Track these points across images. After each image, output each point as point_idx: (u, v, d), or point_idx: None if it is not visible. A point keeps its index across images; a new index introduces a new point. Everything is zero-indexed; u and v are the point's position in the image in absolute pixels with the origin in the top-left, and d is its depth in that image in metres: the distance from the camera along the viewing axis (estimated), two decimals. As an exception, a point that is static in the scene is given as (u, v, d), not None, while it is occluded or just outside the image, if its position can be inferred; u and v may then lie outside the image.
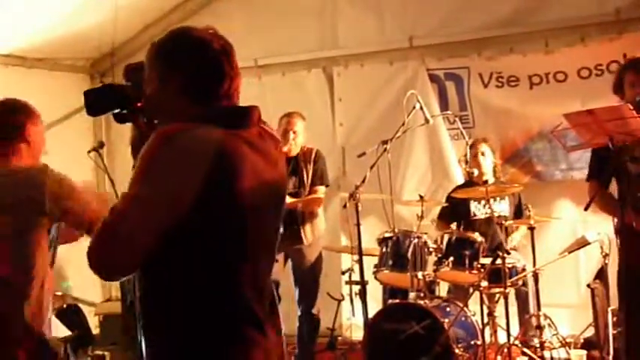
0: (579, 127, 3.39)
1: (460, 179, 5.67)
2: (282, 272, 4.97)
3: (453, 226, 4.90)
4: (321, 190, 5.01)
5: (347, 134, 6.24)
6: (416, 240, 4.56)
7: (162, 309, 1.76)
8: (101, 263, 1.70)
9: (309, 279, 4.98)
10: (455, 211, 5.26)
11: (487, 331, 4.75)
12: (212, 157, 1.69)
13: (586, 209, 3.36)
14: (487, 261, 4.56)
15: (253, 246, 1.81)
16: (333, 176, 6.25)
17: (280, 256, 4.81)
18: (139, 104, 1.88)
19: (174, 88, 1.81)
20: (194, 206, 1.67)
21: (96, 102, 1.91)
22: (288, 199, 4.73)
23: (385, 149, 4.63)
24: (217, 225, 1.73)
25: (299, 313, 4.99)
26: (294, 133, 4.97)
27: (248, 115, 1.86)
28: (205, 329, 1.73)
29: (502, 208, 5.17)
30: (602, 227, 4.92)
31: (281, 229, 1.96)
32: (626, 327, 3.59)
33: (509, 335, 4.59)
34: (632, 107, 3.36)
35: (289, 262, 5.02)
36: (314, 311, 4.97)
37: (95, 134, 6.65)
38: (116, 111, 1.92)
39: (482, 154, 5.15)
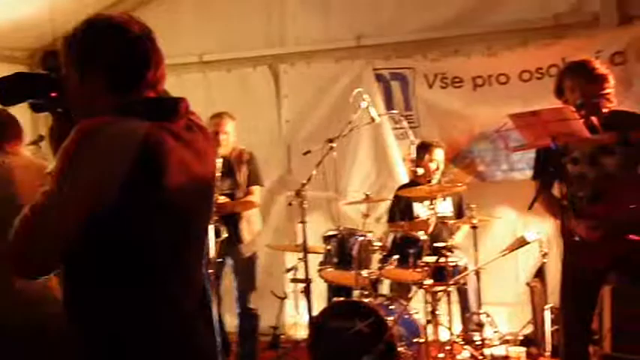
0: (523, 127, 3.45)
1: (404, 178, 5.72)
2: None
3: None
4: (256, 190, 4.99)
5: (293, 132, 6.23)
6: (361, 238, 4.58)
7: (86, 307, 1.68)
8: (19, 261, 1.62)
9: (245, 276, 4.95)
10: (400, 210, 5.31)
11: (430, 328, 4.80)
12: (136, 152, 1.60)
13: (529, 208, 3.42)
14: (431, 259, 4.60)
15: (181, 242, 1.75)
16: (279, 174, 6.25)
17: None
18: (53, 93, 1.77)
19: (93, 78, 1.71)
20: (118, 203, 1.59)
21: (8, 91, 1.78)
22: (224, 200, 4.70)
23: (331, 147, 4.63)
24: (142, 222, 1.65)
25: (238, 310, 4.95)
26: (225, 133, 4.93)
27: (175, 106, 1.77)
28: (129, 327, 1.66)
29: (445, 208, 5.24)
30: (541, 227, 5.06)
31: (212, 227, 1.94)
32: (563, 325, 3.67)
33: (451, 333, 4.65)
34: (573, 110, 3.45)
35: (228, 261, 4.97)
36: (251, 306, 4.94)
37: (36, 127, 6.46)
38: (31, 100, 1.81)
39: (438, 162, 5.23)
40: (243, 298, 4.94)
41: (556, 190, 3.74)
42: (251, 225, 4.96)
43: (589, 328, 3.72)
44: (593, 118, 3.33)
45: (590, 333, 3.76)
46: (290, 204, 4.59)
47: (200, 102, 5.23)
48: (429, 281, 4.51)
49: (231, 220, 4.80)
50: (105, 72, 1.71)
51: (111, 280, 1.66)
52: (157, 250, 1.69)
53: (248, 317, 4.94)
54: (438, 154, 5.26)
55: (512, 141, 3.97)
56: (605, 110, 3.65)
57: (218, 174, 4.12)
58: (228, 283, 5.01)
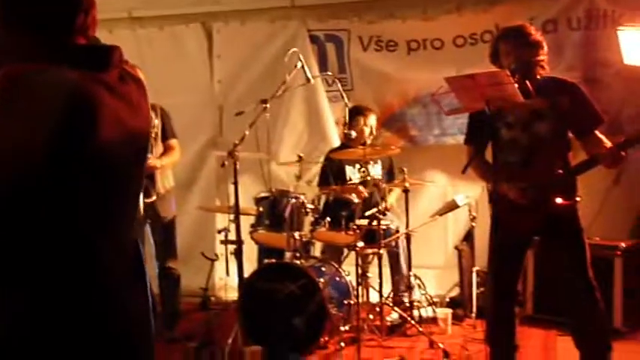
0: (459, 91, 3.45)
1: (336, 141, 5.71)
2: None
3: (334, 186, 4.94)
4: (175, 143, 4.88)
5: (225, 92, 6.11)
6: (293, 200, 4.55)
7: (9, 272, 1.54)
8: None
9: (163, 233, 4.85)
10: (332, 173, 5.30)
11: (361, 291, 4.84)
12: (64, 104, 1.48)
13: (463, 172, 3.44)
14: (363, 222, 4.62)
15: (113, 202, 1.64)
16: (210, 135, 6.15)
17: None
18: None
19: (17, 20, 1.57)
20: (44, 160, 1.46)
21: None
22: (150, 160, 4.57)
23: (264, 108, 4.55)
24: (71, 180, 1.53)
25: (156, 270, 4.87)
26: None
27: (107, 54, 1.63)
28: (55, 299, 1.54)
29: (376, 171, 5.26)
30: (470, 191, 5.14)
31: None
32: (491, 287, 3.73)
33: (381, 295, 4.70)
34: (509, 74, 3.47)
35: (147, 225, 4.85)
36: (171, 265, 4.86)
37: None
38: None
39: (371, 127, 5.22)
40: (163, 258, 4.85)
41: (488, 155, 3.79)
42: (165, 178, 4.84)
43: (515, 289, 3.80)
44: (528, 83, 3.35)
45: (516, 294, 3.85)
46: (223, 164, 4.48)
47: (131, 59, 5.09)
48: (361, 244, 4.52)
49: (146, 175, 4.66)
50: (30, 13, 1.57)
51: (35, 245, 1.53)
52: (86, 212, 1.58)
53: (169, 276, 4.87)
54: (372, 120, 5.26)
55: (447, 105, 3.99)
56: (538, 76, 3.70)
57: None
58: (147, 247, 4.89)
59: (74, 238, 1.57)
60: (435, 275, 5.65)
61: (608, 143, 3.56)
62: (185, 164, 5.87)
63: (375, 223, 4.52)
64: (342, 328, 4.44)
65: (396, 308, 4.82)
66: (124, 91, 1.65)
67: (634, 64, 4.71)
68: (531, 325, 4.91)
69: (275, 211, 4.60)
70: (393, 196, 5.31)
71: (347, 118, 4.94)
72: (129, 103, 1.66)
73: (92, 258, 1.59)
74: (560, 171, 3.61)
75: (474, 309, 4.94)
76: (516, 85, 3.35)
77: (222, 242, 5.01)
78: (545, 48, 3.74)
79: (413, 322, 4.71)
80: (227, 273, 5.18)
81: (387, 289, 5.07)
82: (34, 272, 1.54)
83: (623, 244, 4.76)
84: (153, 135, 4.70)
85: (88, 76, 1.55)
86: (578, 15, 5.19)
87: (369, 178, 4.92)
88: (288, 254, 4.61)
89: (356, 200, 4.60)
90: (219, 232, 5.01)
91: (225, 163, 4.43)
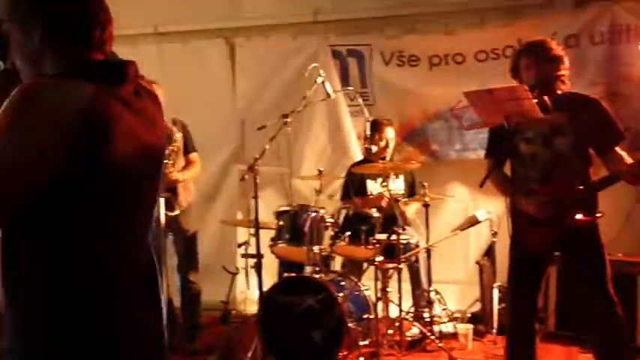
0: (478, 105, 3.45)
1: (358, 155, 5.72)
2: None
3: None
4: (196, 157, 4.94)
5: (247, 107, 6.16)
6: (313, 214, 4.55)
7: (23, 279, 1.57)
8: None
9: (185, 246, 4.90)
10: (354, 187, 5.31)
11: (380, 305, 4.83)
12: (78, 117, 1.50)
13: (481, 186, 3.44)
14: (383, 237, 4.61)
15: (125, 214, 1.67)
16: (232, 148, 6.19)
17: None
18: None
19: (36, 36, 1.61)
20: (59, 172, 1.50)
21: None
22: (172, 173, 4.63)
23: (285, 122, 4.58)
24: (84, 194, 1.55)
25: (178, 283, 4.91)
26: None
27: (123, 69, 1.67)
28: (68, 304, 1.57)
29: (397, 185, 5.25)
30: (492, 206, 5.11)
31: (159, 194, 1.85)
32: (510, 302, 3.71)
33: (400, 310, 4.68)
34: (527, 89, 3.46)
35: (169, 237, 4.91)
36: (192, 279, 4.90)
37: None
38: None
39: (388, 140, 5.21)
40: (185, 272, 4.90)
41: (508, 169, 3.78)
42: (187, 192, 4.90)
43: (535, 305, 3.77)
44: (546, 98, 3.34)
45: (536, 310, 3.81)
46: (243, 178, 4.52)
47: (155, 74, 5.17)
48: (380, 258, 4.51)
49: (168, 188, 4.73)
50: (48, 29, 1.61)
51: (48, 255, 1.56)
52: (99, 223, 1.60)
53: (189, 291, 4.91)
54: (388, 133, 5.24)
55: (467, 120, 3.99)
56: (558, 92, 3.69)
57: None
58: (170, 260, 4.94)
59: (83, 247, 1.59)
60: (456, 290, 5.62)
61: (629, 160, 3.53)
62: (208, 178, 5.93)
63: (394, 237, 4.51)
64: (361, 343, 4.43)
65: (415, 323, 4.79)
66: (140, 106, 1.68)
67: (657, 78, 4.68)
68: (553, 341, 4.84)
69: (295, 225, 4.61)
70: (412, 209, 5.29)
71: (367, 132, 4.95)
72: (144, 118, 1.69)
73: (101, 268, 1.61)
74: (581, 187, 3.59)
75: (495, 325, 4.89)
76: (535, 101, 3.34)
77: (242, 256, 5.03)
78: (567, 63, 3.72)
79: (432, 337, 4.68)
80: (247, 286, 5.20)
81: (408, 303, 5.05)
82: (43, 277, 1.56)
83: (646, 261, 4.70)
84: (175, 149, 4.75)
85: (104, 90, 1.58)
86: (601, 29, 5.16)
87: (389, 192, 4.89)
88: (307, 268, 4.62)
89: (376, 215, 4.60)
90: (240, 245, 5.04)
91: (246, 177, 4.46)
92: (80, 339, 1.58)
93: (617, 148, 3.63)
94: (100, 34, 1.67)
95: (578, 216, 3.54)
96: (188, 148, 4.90)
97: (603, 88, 5.12)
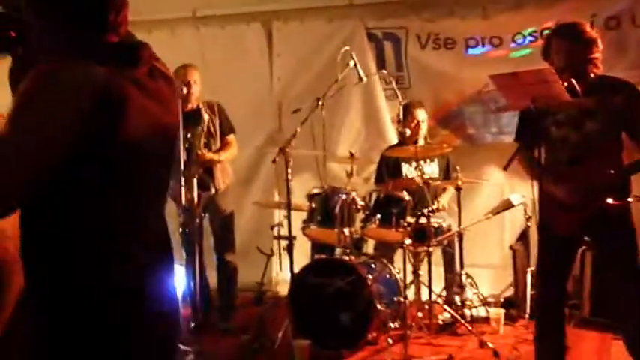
0: (504, 89, 3.44)
1: (394, 139, 5.72)
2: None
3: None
4: (233, 138, 5.00)
5: (284, 90, 6.20)
6: (344, 197, 4.58)
7: (42, 254, 1.64)
8: None
9: (222, 227, 4.99)
10: (388, 171, 5.32)
11: (411, 288, 4.85)
12: (90, 97, 1.55)
13: (505, 169, 3.43)
14: (413, 220, 4.62)
15: (141, 193, 1.72)
16: (269, 131, 6.25)
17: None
18: (12, 33, 1.70)
19: (52, 18, 1.67)
20: (74, 150, 1.55)
21: None
22: (206, 153, 4.72)
23: (316, 105, 4.61)
24: (99, 173, 1.61)
25: (215, 263, 5.01)
26: (194, 82, 4.86)
27: (137, 51, 1.71)
28: (81, 281, 1.63)
29: (432, 169, 5.25)
30: (526, 191, 5.05)
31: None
32: (539, 288, 3.69)
33: (430, 293, 4.69)
34: (555, 72, 3.42)
35: (206, 217, 5.00)
36: (229, 258, 4.99)
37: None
38: None
39: (419, 121, 5.19)
40: (221, 252, 4.99)
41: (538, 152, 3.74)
42: (224, 173, 4.98)
43: (564, 290, 3.75)
44: (574, 81, 3.30)
45: (565, 296, 3.79)
46: (274, 161, 4.57)
47: (193, 58, 5.29)
48: (408, 241, 4.52)
49: (205, 169, 4.81)
50: (64, 13, 1.66)
51: (65, 228, 1.62)
52: (113, 201, 1.66)
53: (225, 270, 5.00)
54: (419, 114, 5.23)
55: (495, 102, 3.97)
56: (592, 75, 3.63)
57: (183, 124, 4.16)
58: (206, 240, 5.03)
59: (101, 223, 1.64)
60: (490, 275, 5.60)
61: None
62: (245, 160, 6.01)
63: (423, 220, 4.52)
64: (391, 325, 4.46)
65: (445, 306, 4.80)
66: (153, 87, 1.72)
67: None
68: (587, 327, 4.81)
69: (326, 207, 4.65)
70: (446, 197, 5.28)
71: (400, 115, 4.95)
72: (157, 99, 1.73)
73: (113, 245, 1.66)
74: (612, 171, 3.54)
75: (528, 309, 4.87)
76: (563, 84, 3.30)
77: (275, 238, 5.10)
78: (600, 46, 3.66)
79: (462, 320, 4.68)
80: (280, 268, 5.27)
81: (441, 287, 5.06)
82: (60, 255, 1.63)
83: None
84: (212, 130, 4.84)
85: (118, 71, 1.62)
86: (642, 11, 5.05)
87: (422, 175, 4.89)
88: (338, 250, 4.66)
89: (407, 198, 4.60)
90: (272, 227, 5.11)
91: (277, 160, 4.51)
92: (95, 319, 1.64)
93: None
94: (115, 17, 1.70)
95: (609, 200, 3.50)
96: (224, 129, 4.97)
97: (644, 71, 5.01)
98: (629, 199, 3.55)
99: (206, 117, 4.80)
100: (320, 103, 4.66)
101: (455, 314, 4.74)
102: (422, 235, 4.60)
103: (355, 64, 4.63)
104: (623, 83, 3.72)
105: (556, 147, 3.70)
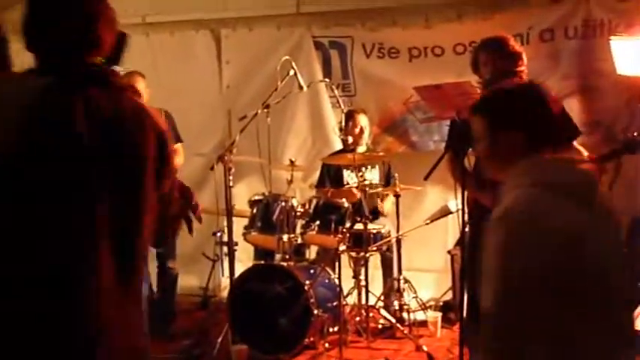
0: (429, 100, 3.55)
1: (339, 146, 5.81)
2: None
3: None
4: (179, 147, 5.05)
5: (233, 97, 6.26)
6: (283, 203, 4.66)
7: None
8: None
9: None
10: (330, 178, 5.41)
11: (351, 293, 4.95)
12: (21, 109, 1.68)
13: (425, 179, 3.54)
14: (357, 226, 4.71)
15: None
16: (218, 139, 6.29)
17: None
18: None
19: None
20: (8, 156, 1.68)
21: None
22: None
23: (256, 113, 4.68)
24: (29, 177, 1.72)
25: (156, 270, 5.05)
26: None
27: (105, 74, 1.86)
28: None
29: (373, 176, 5.35)
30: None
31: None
32: (467, 291, 3.78)
33: (367, 298, 4.78)
34: (477, 84, 3.54)
35: None
36: (170, 265, 5.04)
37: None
38: None
39: (361, 128, 5.29)
40: (163, 261, 5.03)
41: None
42: None
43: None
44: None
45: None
46: (212, 168, 4.65)
47: (144, 63, 5.30)
48: (343, 247, 4.61)
49: None
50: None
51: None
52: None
53: (166, 277, 5.06)
54: (361, 120, 5.33)
55: (424, 113, 4.09)
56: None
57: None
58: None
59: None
60: (432, 279, 5.72)
61: (584, 155, 3.61)
62: (194, 167, 6.04)
63: (360, 227, 4.62)
64: (329, 330, 4.54)
65: (382, 311, 4.90)
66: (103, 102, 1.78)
67: (626, 74, 4.72)
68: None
69: (267, 213, 4.71)
70: (388, 203, 5.39)
71: (343, 122, 5.05)
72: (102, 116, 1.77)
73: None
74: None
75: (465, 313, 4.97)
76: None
77: (216, 243, 5.15)
78: (525, 59, 3.80)
79: (399, 325, 4.79)
80: (222, 273, 5.33)
81: (378, 292, 5.16)
82: None
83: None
84: None
85: (59, 83, 1.72)
86: (575, 24, 5.21)
87: (363, 182, 4.98)
88: (277, 256, 4.74)
89: (346, 205, 4.70)
90: (214, 233, 5.17)
91: (215, 167, 4.57)
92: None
93: (575, 143, 3.71)
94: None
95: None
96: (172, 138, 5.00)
97: (576, 82, 5.18)
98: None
99: None
100: (263, 110, 4.72)
101: (390, 318, 4.84)
102: (360, 241, 4.70)
103: (295, 73, 4.70)
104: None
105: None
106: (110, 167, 1.76)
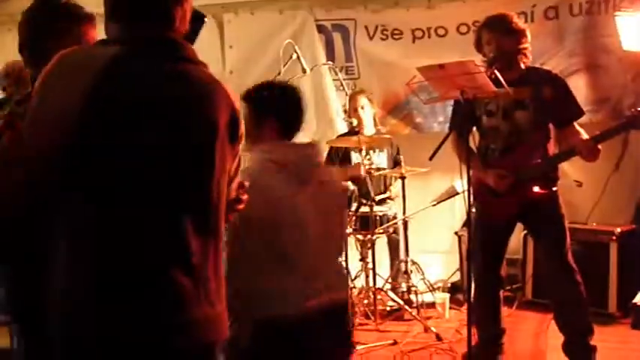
0: (433, 80, 3.52)
1: (343, 129, 5.79)
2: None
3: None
4: None
5: (237, 82, 6.19)
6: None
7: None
8: None
9: None
10: (338, 159, 5.39)
11: (359, 276, 4.96)
12: (92, 76, 1.64)
13: (430, 159, 3.53)
14: (363, 209, 4.71)
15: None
16: (222, 124, 6.28)
17: None
18: None
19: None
20: (74, 126, 1.63)
21: None
22: None
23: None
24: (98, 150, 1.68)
25: None
26: None
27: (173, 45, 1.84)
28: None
29: (380, 159, 5.33)
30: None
31: None
32: (474, 272, 3.78)
33: (374, 280, 4.79)
34: (480, 63, 3.53)
35: None
36: None
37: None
38: None
39: (362, 107, 5.26)
40: None
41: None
42: None
43: (498, 274, 3.87)
44: (497, 73, 3.40)
45: (500, 279, 3.91)
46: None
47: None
48: (349, 230, 4.60)
49: None
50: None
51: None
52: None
53: None
54: (361, 100, 5.28)
55: (429, 93, 4.07)
56: (522, 65, 3.75)
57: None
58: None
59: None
60: (439, 260, 5.72)
61: (584, 136, 3.61)
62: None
63: (364, 209, 4.61)
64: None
65: (390, 293, 4.90)
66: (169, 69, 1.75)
67: (632, 49, 4.69)
68: (529, 309, 4.98)
69: (273, 198, 4.70)
70: (397, 186, 5.37)
71: (347, 105, 5.04)
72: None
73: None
74: (539, 160, 3.66)
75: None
76: (490, 75, 3.40)
77: (223, 228, 5.14)
78: (529, 37, 3.79)
79: (407, 307, 4.79)
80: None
81: (386, 274, 5.17)
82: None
83: (618, 230, 4.75)
84: None
85: (129, 51, 1.70)
86: (579, 0, 5.15)
87: (370, 165, 4.97)
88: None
89: (351, 187, 4.69)
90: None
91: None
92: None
93: (575, 124, 3.71)
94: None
95: (535, 188, 3.63)
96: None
97: (582, 59, 5.13)
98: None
99: None
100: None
101: (398, 300, 4.85)
102: (366, 224, 4.69)
103: (298, 57, 4.69)
104: (552, 75, 3.86)
105: (488, 136, 3.83)
106: (177, 140, 1.69)
